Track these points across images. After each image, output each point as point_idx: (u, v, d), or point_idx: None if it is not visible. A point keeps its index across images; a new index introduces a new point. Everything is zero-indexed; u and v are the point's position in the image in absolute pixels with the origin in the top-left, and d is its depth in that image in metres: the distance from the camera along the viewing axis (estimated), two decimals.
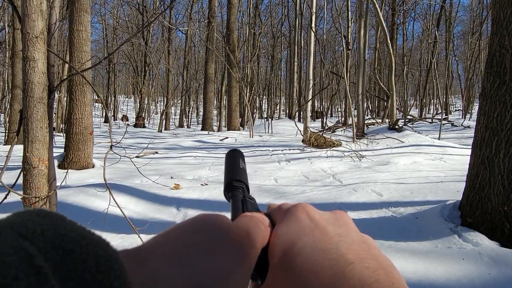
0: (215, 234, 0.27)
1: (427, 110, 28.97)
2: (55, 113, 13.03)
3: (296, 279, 0.26)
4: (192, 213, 3.51)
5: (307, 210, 0.31)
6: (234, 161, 0.42)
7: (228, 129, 15.19)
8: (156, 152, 7.73)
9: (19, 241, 0.16)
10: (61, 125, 13.77)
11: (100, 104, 29.87)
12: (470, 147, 2.89)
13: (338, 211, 0.32)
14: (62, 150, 5.96)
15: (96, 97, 25.70)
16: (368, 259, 0.26)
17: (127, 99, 45.77)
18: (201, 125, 17.69)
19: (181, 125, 22.11)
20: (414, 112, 27.47)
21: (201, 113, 26.50)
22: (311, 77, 8.81)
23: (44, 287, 0.15)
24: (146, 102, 24.01)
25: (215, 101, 25.24)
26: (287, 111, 24.13)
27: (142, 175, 3.93)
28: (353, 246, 0.27)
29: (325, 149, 7.09)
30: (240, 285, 0.26)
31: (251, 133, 11.89)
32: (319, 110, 26.83)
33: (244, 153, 0.45)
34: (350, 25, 11.19)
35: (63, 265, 0.16)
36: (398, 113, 14.99)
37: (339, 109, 28.05)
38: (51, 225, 0.18)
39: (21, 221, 0.17)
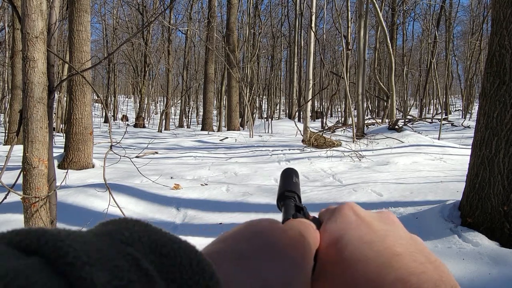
0: (271, 239, 0.27)
1: (427, 110, 28.97)
2: (55, 113, 13.02)
3: (343, 271, 0.27)
4: (192, 213, 3.51)
5: (353, 207, 0.33)
6: (287, 176, 0.46)
7: (228, 129, 15.18)
8: (156, 152, 7.72)
9: (123, 247, 0.17)
10: (61, 125, 13.76)
11: (100, 104, 29.86)
12: (470, 147, 2.89)
13: (384, 211, 0.33)
14: (62, 150, 5.96)
15: (96, 97, 25.70)
16: (416, 253, 0.26)
17: (127, 99, 45.71)
18: (201, 125, 17.69)
19: (181, 125, 22.10)
20: (414, 112, 27.48)
21: (201, 113, 26.48)
22: (311, 77, 8.80)
23: None
24: (146, 102, 23.99)
25: (215, 101, 25.21)
26: (287, 111, 24.14)
27: (142, 175, 3.94)
28: (400, 241, 0.28)
29: (325, 149, 7.09)
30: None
31: (251, 133, 11.88)
32: (319, 110, 26.82)
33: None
34: (350, 25, 11.17)
35: (163, 267, 0.17)
36: (398, 113, 14.99)
37: (339, 109, 28.03)
38: (143, 232, 0.18)
39: (117, 229, 0.18)
